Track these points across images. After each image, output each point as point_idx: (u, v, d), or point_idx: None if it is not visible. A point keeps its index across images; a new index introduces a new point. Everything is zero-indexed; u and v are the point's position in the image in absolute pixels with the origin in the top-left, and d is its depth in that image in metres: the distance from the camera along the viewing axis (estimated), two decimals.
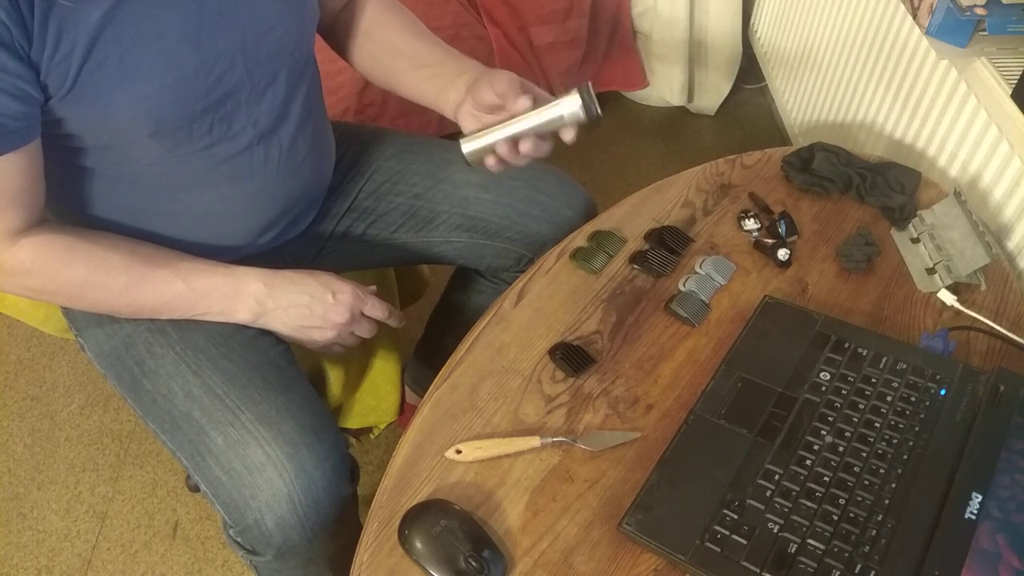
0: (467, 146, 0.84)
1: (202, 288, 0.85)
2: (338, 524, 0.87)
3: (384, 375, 1.36)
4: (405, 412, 1.41)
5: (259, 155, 0.88)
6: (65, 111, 0.74)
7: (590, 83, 0.80)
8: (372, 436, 1.48)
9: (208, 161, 0.84)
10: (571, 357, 0.86)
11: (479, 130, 0.84)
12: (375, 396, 1.37)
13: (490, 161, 0.85)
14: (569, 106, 0.80)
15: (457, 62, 0.94)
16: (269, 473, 0.80)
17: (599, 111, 0.80)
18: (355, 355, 1.31)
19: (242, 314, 0.87)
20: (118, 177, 0.83)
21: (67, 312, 0.95)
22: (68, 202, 0.85)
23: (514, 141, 0.83)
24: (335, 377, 1.23)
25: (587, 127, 0.82)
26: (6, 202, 0.76)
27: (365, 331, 0.93)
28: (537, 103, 0.81)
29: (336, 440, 0.86)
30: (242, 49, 0.80)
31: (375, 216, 1.07)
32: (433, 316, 1.36)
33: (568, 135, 0.83)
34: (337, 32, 1.01)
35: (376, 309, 0.93)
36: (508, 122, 0.82)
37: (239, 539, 0.86)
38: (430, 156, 1.07)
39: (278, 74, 0.86)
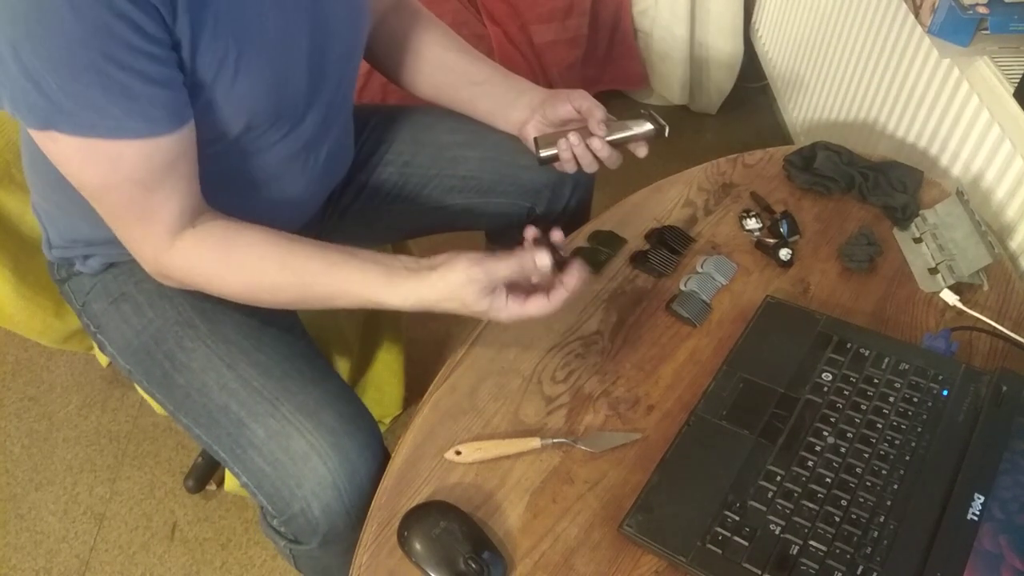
0: (545, 152, 0.92)
1: (357, 281, 0.78)
2: None
3: (388, 369, 1.36)
4: None
5: (316, 153, 0.90)
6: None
7: (651, 110, 0.91)
8: None
9: (272, 158, 0.86)
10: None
11: (552, 134, 0.92)
12: (379, 390, 1.37)
13: (557, 162, 0.93)
14: (640, 126, 0.89)
15: (509, 81, 0.98)
16: (314, 462, 0.81)
17: (664, 123, 0.89)
18: (358, 348, 1.31)
19: (403, 305, 0.78)
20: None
21: (85, 309, 0.94)
22: None
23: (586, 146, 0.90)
24: (340, 371, 1.23)
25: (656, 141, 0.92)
26: (167, 194, 0.74)
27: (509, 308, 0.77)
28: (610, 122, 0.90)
29: (373, 428, 0.87)
30: (311, 53, 0.82)
31: (368, 189, 1.07)
32: None
33: (640, 151, 0.92)
34: (377, 47, 1.02)
35: (504, 269, 0.76)
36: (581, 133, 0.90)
37: (282, 529, 0.86)
38: (414, 122, 1.08)
39: (340, 76, 0.89)
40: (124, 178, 0.72)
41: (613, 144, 0.90)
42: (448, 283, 0.77)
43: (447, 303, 0.77)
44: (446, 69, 1.00)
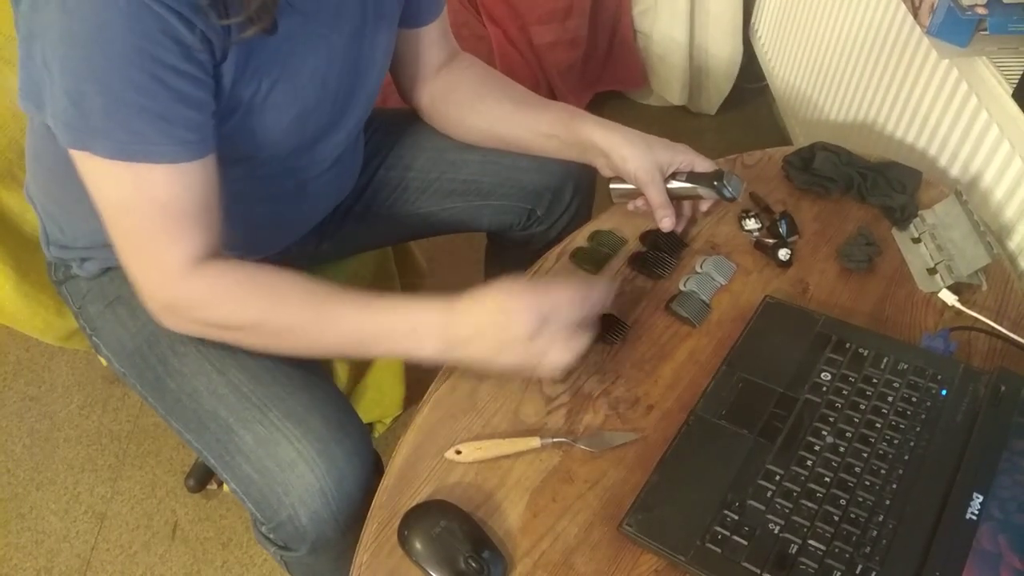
0: (616, 193, 0.99)
1: (382, 325, 0.78)
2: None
3: (388, 369, 1.36)
4: None
5: (329, 178, 0.93)
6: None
7: (735, 174, 0.95)
8: (375, 436, 1.48)
9: (286, 179, 0.88)
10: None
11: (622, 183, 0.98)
12: (379, 391, 1.37)
13: (629, 206, 0.99)
14: (705, 190, 0.94)
15: (574, 130, 0.96)
16: (301, 469, 0.81)
17: (734, 195, 0.93)
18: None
19: (428, 350, 0.77)
20: None
21: (82, 311, 0.94)
22: None
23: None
24: (340, 372, 1.23)
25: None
26: (189, 223, 0.73)
27: (571, 340, 0.76)
28: (676, 175, 0.95)
29: (362, 433, 0.87)
30: (338, 93, 0.85)
31: (369, 192, 1.08)
32: None
33: (703, 207, 0.98)
34: (434, 106, 1.03)
35: (570, 305, 0.75)
36: None
37: (271, 536, 0.86)
38: (415, 126, 1.08)
39: (361, 114, 0.92)
40: (146, 199, 0.71)
41: (673, 194, 0.95)
42: (486, 304, 0.75)
43: (487, 334, 0.74)
44: (509, 123, 1.00)
